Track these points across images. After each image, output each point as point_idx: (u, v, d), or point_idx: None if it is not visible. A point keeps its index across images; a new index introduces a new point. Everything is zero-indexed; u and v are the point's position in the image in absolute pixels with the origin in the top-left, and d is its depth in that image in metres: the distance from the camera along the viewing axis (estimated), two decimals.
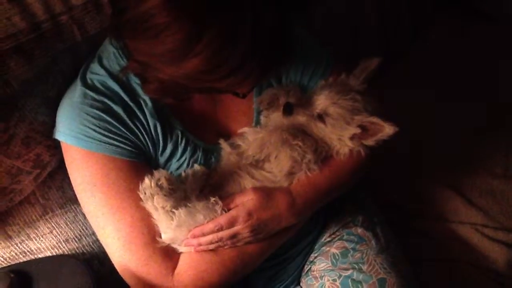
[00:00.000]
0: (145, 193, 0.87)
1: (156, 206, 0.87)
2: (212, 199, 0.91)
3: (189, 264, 0.91)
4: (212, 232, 0.90)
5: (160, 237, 0.91)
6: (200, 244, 0.90)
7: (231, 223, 0.90)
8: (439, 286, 1.28)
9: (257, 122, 1.06)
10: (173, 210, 0.88)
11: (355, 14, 1.58)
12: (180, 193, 0.90)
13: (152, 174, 0.88)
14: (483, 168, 1.45)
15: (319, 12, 1.44)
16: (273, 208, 0.94)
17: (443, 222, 1.40)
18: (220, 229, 0.90)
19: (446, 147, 1.46)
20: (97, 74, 0.94)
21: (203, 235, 0.90)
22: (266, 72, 0.81)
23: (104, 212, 0.91)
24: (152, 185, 0.86)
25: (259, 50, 0.73)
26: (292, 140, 0.96)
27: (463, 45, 1.72)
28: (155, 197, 0.86)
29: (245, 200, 0.93)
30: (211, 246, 0.91)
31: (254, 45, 0.72)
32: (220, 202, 0.92)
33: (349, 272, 1.06)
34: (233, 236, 0.91)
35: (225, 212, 0.91)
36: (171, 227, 0.89)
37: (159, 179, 0.87)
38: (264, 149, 0.97)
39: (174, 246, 0.92)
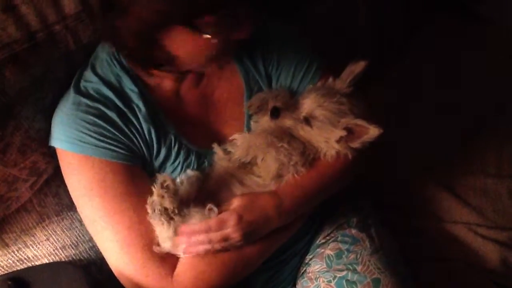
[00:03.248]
0: (154, 210, 0.88)
1: (163, 219, 0.88)
2: (207, 206, 0.92)
3: (188, 265, 0.91)
4: (201, 232, 0.89)
5: (159, 245, 0.91)
6: (189, 243, 0.90)
7: (220, 226, 0.90)
8: (434, 285, 1.29)
9: (248, 127, 1.07)
10: (172, 215, 0.89)
11: (350, 16, 1.59)
12: (181, 194, 0.91)
13: (154, 183, 0.88)
14: (476, 167, 1.46)
15: (314, 14, 1.45)
16: (259, 210, 0.94)
17: (437, 221, 1.41)
18: (209, 230, 0.89)
19: (440, 147, 1.47)
20: (90, 81, 0.95)
21: (193, 233, 0.89)
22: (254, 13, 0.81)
23: (101, 215, 0.91)
24: (157, 189, 0.87)
25: None
26: (277, 142, 0.96)
27: (460, 46, 1.73)
28: (164, 200, 0.87)
29: (234, 206, 0.94)
30: (201, 248, 0.90)
31: None
32: (215, 209, 0.92)
33: (343, 273, 1.07)
34: (224, 239, 0.91)
35: None
36: (168, 236, 0.89)
37: (164, 181, 0.88)
38: (250, 152, 0.98)
39: (175, 253, 0.92)
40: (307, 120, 1.00)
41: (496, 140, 1.50)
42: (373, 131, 0.93)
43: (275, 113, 1.00)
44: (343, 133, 0.97)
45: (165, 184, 0.87)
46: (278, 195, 0.97)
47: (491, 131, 1.52)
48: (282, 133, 0.99)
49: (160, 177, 0.88)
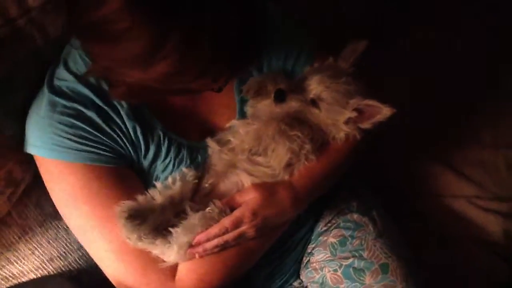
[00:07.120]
0: (129, 239, 0.83)
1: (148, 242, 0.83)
2: (208, 208, 0.87)
3: (189, 267, 0.88)
4: (218, 236, 0.86)
5: (164, 261, 0.87)
6: (205, 250, 0.87)
7: (236, 225, 0.87)
8: (437, 264, 1.26)
9: (241, 113, 1.02)
10: (169, 229, 0.84)
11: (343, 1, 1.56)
12: (155, 214, 0.85)
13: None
14: (472, 139, 1.44)
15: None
16: (277, 204, 0.91)
17: (436, 197, 1.39)
18: (226, 232, 0.86)
19: (434, 122, 1.44)
20: (65, 80, 0.88)
21: (208, 240, 0.86)
22: (239, 68, 0.79)
23: (92, 224, 0.86)
24: (120, 224, 0.81)
25: (228, 48, 0.70)
26: (289, 131, 0.92)
27: (454, 19, 1.69)
28: (132, 231, 0.82)
29: (247, 199, 0.90)
30: (216, 250, 0.88)
31: (222, 44, 0.69)
32: (218, 208, 0.88)
33: (349, 261, 1.04)
34: (239, 237, 0.88)
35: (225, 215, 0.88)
36: (173, 251, 0.85)
37: (125, 211, 0.82)
38: (262, 141, 0.93)
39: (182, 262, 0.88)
40: (315, 102, 0.96)
41: (492, 113, 1.47)
42: (386, 111, 0.92)
43: (281, 96, 0.95)
44: (353, 114, 0.95)
45: (127, 215, 0.81)
46: (293, 186, 0.94)
47: (486, 104, 1.49)
48: (291, 120, 0.95)
49: (118, 209, 0.82)
